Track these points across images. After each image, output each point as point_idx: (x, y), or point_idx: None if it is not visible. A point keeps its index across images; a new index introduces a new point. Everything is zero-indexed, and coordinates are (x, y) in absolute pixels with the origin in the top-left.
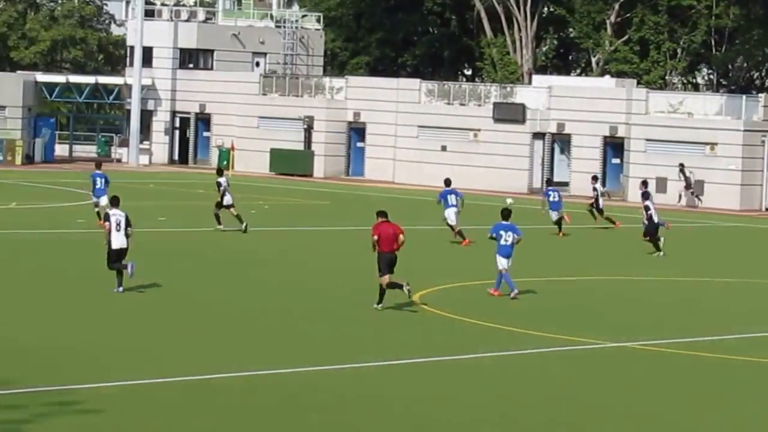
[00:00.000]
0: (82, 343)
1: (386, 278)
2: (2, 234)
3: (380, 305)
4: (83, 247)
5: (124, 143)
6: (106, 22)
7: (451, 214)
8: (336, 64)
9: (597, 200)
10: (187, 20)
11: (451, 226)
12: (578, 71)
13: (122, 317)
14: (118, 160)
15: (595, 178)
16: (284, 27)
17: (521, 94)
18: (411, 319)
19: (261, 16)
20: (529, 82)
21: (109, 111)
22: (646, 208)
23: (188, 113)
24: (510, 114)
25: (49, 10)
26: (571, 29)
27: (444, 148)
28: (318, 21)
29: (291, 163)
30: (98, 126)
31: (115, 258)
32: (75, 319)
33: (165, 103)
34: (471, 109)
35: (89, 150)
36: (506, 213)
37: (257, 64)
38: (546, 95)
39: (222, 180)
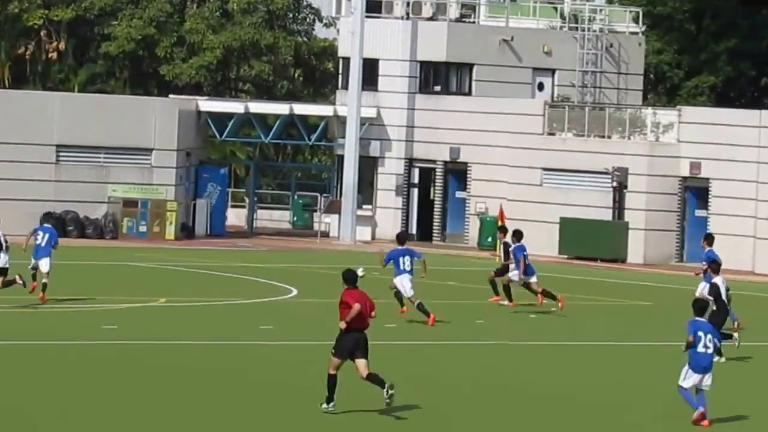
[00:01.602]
0: None
1: None
2: (142, 346)
3: None
4: (265, 363)
5: (333, 208)
6: (307, 20)
7: (405, 282)
8: (663, 89)
9: None
10: (431, 18)
11: (401, 298)
12: None
13: None
14: (324, 234)
15: None
16: (583, 29)
17: None
18: None
19: (546, 13)
20: None
21: (309, 158)
22: None
23: (433, 162)
24: None
25: (219, 3)
26: None
27: None
28: (635, 21)
29: (592, 242)
30: (293, 180)
31: None
32: None
33: (397, 147)
34: None
35: (279, 218)
36: None
37: (540, 86)
38: None
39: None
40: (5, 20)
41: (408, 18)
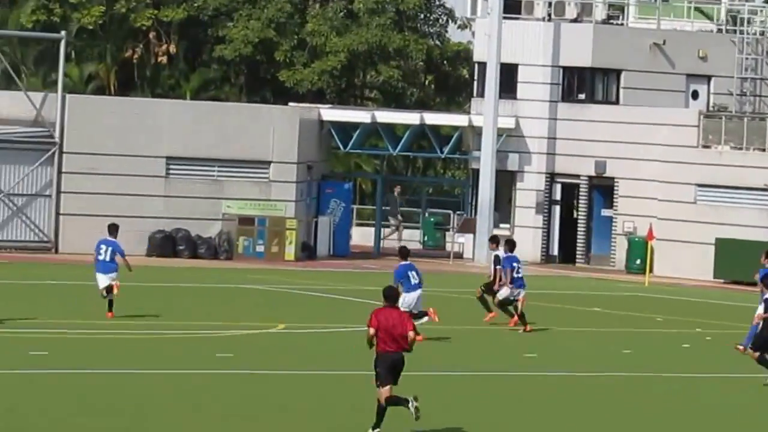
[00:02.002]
0: None
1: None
2: (259, 376)
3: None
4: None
5: (468, 227)
6: (440, 21)
7: (415, 297)
8: None
9: None
10: (575, 20)
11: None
12: None
13: None
14: (457, 256)
15: None
16: (741, 32)
17: None
18: None
19: (702, 14)
20: None
21: (441, 172)
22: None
23: (576, 177)
24: None
25: (344, 2)
26: None
27: None
28: None
29: (751, 265)
30: (424, 196)
31: None
32: None
33: (537, 160)
34: None
35: (408, 237)
36: None
37: (694, 94)
38: None
39: None
40: (111, 21)
41: (550, 19)
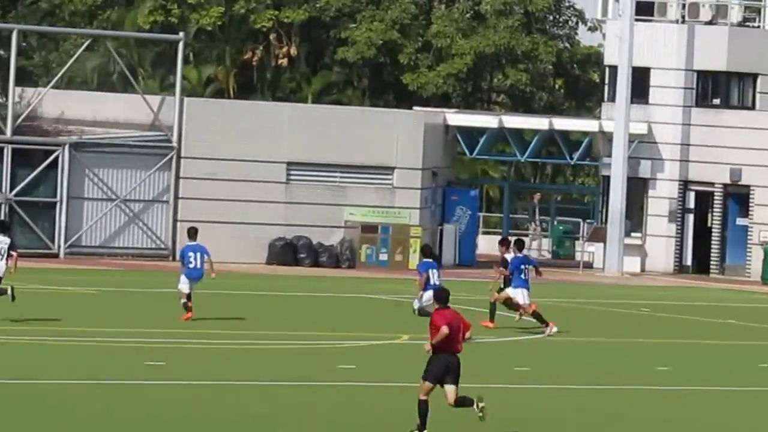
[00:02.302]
0: None
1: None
2: (381, 388)
3: None
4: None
5: (598, 236)
6: (569, 23)
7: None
8: None
9: None
10: (710, 22)
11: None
12: None
13: None
14: (587, 265)
15: None
16: None
17: None
18: None
19: None
20: None
21: (571, 179)
22: None
23: (711, 185)
24: None
25: (470, 3)
26: None
27: None
28: None
29: None
30: (552, 204)
31: None
32: None
33: (670, 167)
34: None
35: (536, 246)
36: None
37: None
38: None
39: None
40: (230, 22)
41: (683, 21)
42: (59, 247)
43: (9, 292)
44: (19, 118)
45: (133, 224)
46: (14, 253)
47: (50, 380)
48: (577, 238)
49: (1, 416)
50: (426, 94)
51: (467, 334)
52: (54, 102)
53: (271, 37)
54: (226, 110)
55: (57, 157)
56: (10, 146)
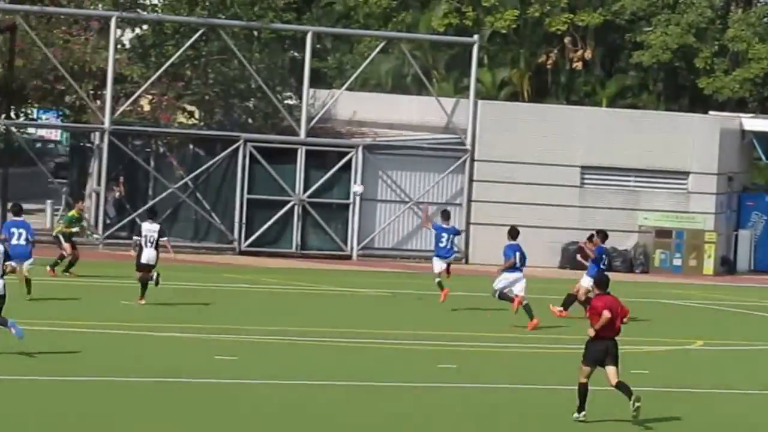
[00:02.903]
0: None
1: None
2: (674, 394)
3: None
4: None
5: None
6: None
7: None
8: None
9: None
10: None
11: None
12: None
13: None
14: None
15: None
16: None
17: None
18: None
19: None
20: None
21: None
22: None
23: None
24: None
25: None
26: None
27: None
28: None
29: None
30: None
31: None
32: None
33: None
34: None
35: None
36: None
37: None
38: None
39: None
40: (525, 25)
41: None
42: (352, 248)
43: (155, 277)
44: (312, 119)
45: (426, 227)
46: (166, 242)
47: (353, 382)
48: None
49: (317, 416)
50: (721, 99)
51: (625, 319)
52: (347, 104)
53: (566, 40)
54: (520, 113)
55: (350, 159)
56: (303, 148)
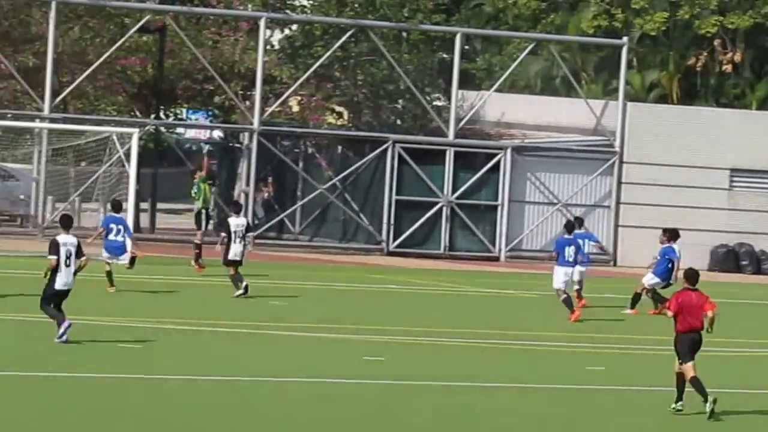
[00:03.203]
0: None
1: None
2: None
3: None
4: None
5: None
6: None
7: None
8: None
9: None
10: None
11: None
12: None
13: None
14: None
15: None
16: None
17: None
18: None
19: None
20: None
21: None
22: None
23: None
24: None
25: None
26: None
27: None
28: None
29: None
30: None
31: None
32: None
33: None
34: None
35: None
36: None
37: None
38: None
39: None
40: (674, 27)
41: None
42: (500, 250)
43: (243, 286)
44: (461, 121)
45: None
46: (250, 238)
47: (495, 383)
48: None
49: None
50: None
51: (709, 313)
52: (496, 105)
53: (716, 42)
54: (670, 116)
55: (499, 161)
56: (452, 149)
